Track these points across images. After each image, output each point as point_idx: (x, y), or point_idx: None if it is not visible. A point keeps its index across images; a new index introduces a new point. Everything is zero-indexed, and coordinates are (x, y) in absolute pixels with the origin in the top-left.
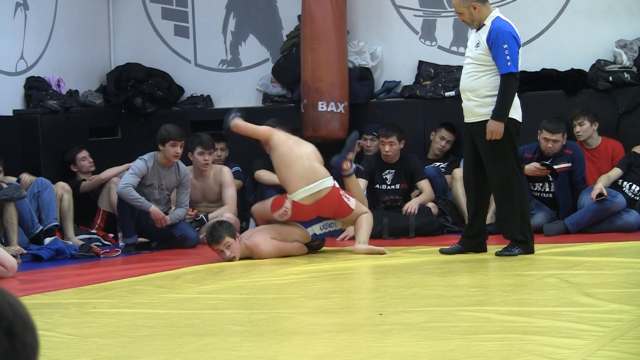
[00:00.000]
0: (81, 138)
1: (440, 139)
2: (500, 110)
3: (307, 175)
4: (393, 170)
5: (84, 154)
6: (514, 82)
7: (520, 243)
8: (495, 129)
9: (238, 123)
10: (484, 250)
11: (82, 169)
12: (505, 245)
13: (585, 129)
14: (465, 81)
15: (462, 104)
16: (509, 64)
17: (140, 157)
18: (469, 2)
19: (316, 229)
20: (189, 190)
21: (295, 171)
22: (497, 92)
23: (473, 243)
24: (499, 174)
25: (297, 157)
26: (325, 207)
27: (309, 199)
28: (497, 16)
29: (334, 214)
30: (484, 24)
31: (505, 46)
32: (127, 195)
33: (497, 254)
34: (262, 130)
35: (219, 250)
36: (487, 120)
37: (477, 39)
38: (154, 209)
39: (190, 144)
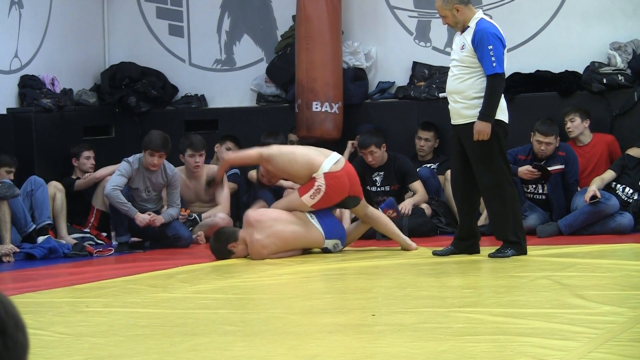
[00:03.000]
0: (75, 137)
1: (418, 139)
2: (487, 111)
3: (322, 152)
4: (382, 173)
5: (89, 153)
6: (500, 83)
7: (513, 244)
8: (482, 129)
9: (227, 155)
10: (477, 251)
11: (82, 167)
12: (498, 247)
13: (576, 125)
14: (451, 84)
15: (449, 107)
16: (494, 64)
17: (125, 159)
18: (451, 5)
19: (330, 245)
20: (178, 189)
21: (312, 153)
22: (482, 94)
23: (465, 244)
24: (487, 175)
25: (302, 147)
26: (352, 172)
27: (337, 165)
28: (481, 18)
29: (358, 185)
30: (468, 26)
31: (490, 47)
32: (115, 199)
33: (490, 256)
34: (251, 153)
35: None
36: (475, 122)
37: (462, 41)
38: (138, 215)
39: (181, 145)
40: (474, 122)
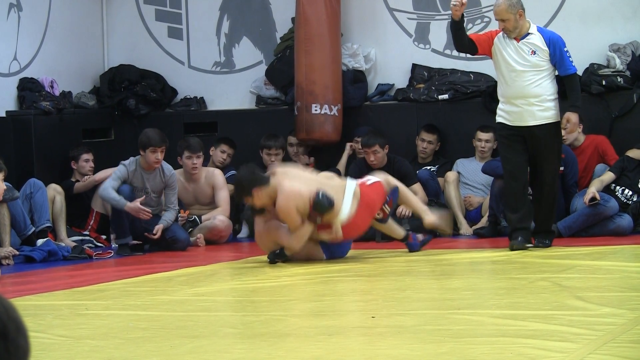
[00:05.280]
0: (74, 139)
1: (421, 141)
2: (579, 103)
3: (336, 192)
4: None
5: (88, 156)
6: (578, 79)
7: (551, 234)
8: (577, 121)
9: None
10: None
11: (81, 170)
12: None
13: (568, 132)
14: (526, 88)
15: (514, 109)
16: (573, 64)
17: (122, 162)
18: (516, 9)
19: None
20: (176, 191)
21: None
22: (554, 96)
23: (528, 233)
24: (553, 172)
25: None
26: (371, 197)
27: (352, 206)
28: (537, 25)
29: (377, 206)
30: (530, 33)
31: (566, 49)
32: (106, 196)
33: (535, 245)
34: (295, 221)
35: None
36: (551, 122)
37: (528, 47)
38: (128, 205)
39: (179, 148)
40: (551, 122)
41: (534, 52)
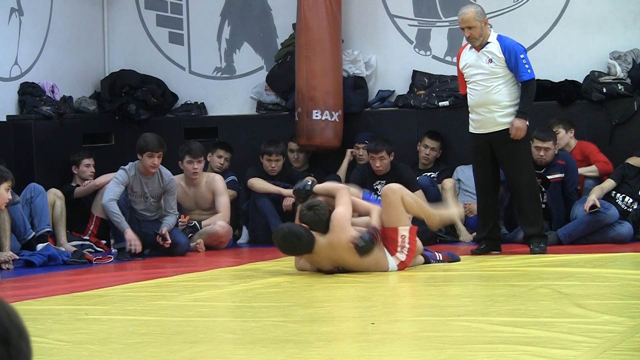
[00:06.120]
0: (75, 144)
1: (424, 148)
2: (526, 109)
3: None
4: (384, 181)
5: (89, 161)
6: (534, 86)
7: (544, 238)
8: (522, 126)
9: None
10: (500, 249)
11: (82, 175)
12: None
13: (560, 136)
14: (484, 96)
15: (478, 117)
16: (529, 70)
17: (121, 167)
18: (482, 17)
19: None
20: (175, 196)
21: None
22: (516, 102)
23: (496, 243)
24: (525, 175)
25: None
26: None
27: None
28: (498, 34)
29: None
30: (489, 42)
31: (522, 56)
32: (109, 209)
33: (532, 252)
34: None
35: None
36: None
37: (486, 55)
38: (128, 231)
39: (180, 152)
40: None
41: (490, 60)
